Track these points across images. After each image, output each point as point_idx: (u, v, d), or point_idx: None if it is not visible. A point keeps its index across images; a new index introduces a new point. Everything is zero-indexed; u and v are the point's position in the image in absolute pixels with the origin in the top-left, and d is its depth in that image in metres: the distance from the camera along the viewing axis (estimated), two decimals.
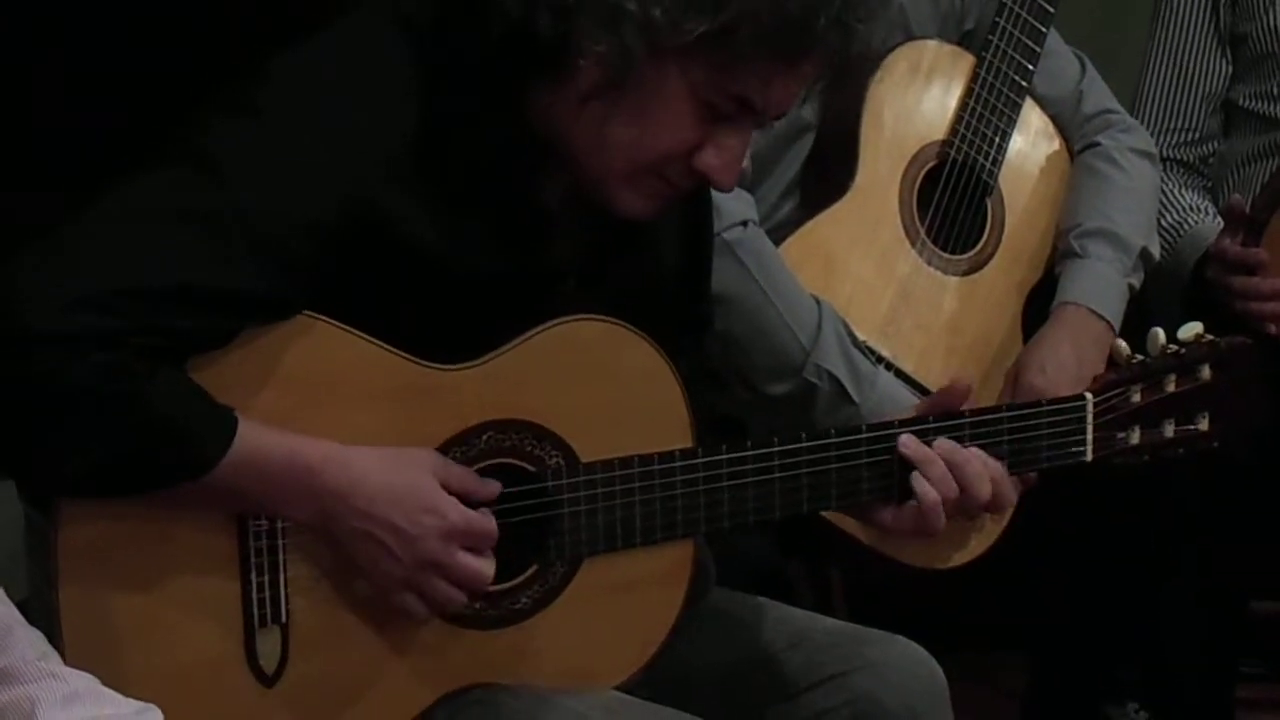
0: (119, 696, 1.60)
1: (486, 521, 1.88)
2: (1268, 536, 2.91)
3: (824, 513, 2.23)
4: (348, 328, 1.85)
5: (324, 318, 1.84)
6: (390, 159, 1.84)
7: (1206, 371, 2.15)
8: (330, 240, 1.81)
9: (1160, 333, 2.15)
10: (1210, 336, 2.16)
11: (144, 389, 1.74)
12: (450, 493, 1.86)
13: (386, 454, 1.85)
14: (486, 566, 1.88)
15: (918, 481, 2.04)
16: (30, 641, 1.61)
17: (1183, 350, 2.14)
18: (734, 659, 2.13)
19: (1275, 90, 3.06)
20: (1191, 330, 2.15)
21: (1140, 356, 2.14)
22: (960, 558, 2.57)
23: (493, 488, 1.89)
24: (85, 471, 1.76)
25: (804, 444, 2.00)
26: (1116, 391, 2.12)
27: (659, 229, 2.06)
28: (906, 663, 2.12)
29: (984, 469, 2.06)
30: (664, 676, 2.06)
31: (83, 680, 1.59)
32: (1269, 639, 3.01)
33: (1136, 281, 2.69)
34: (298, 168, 1.81)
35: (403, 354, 1.87)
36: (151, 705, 1.60)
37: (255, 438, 1.79)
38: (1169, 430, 2.15)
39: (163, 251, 1.76)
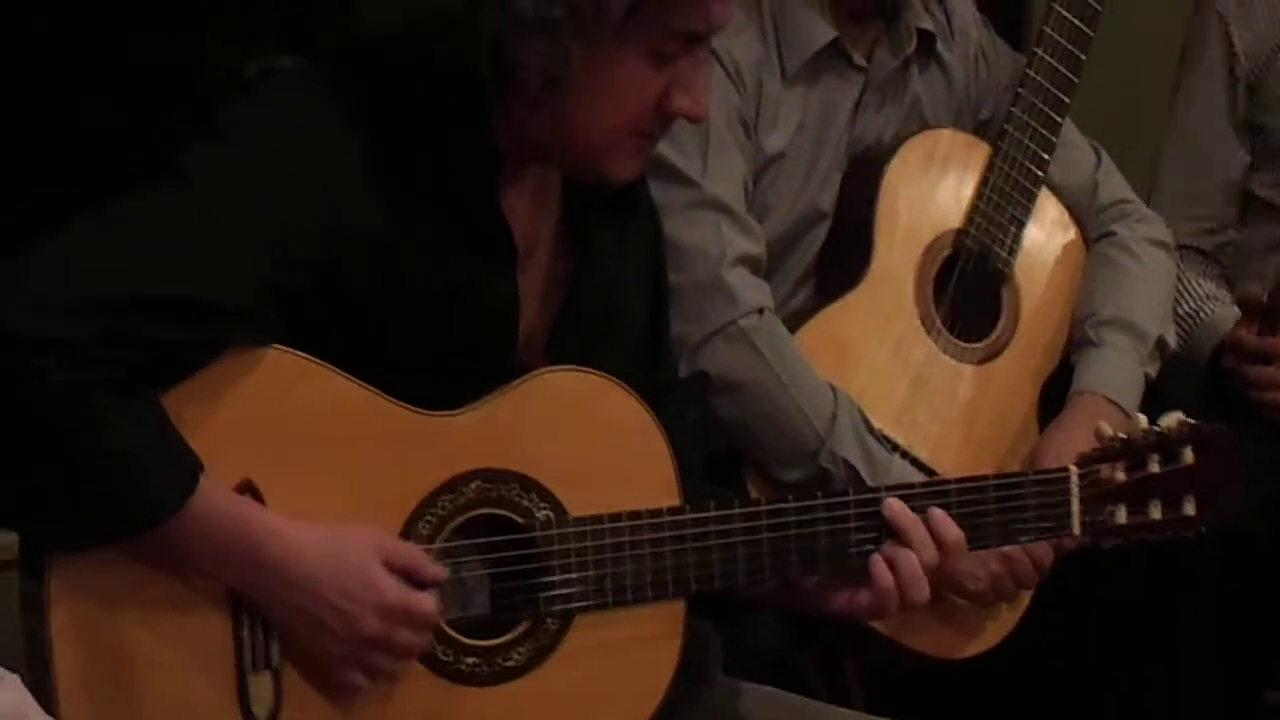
0: None
1: (424, 602, 1.86)
2: None
3: None
4: (334, 368, 1.85)
5: (309, 356, 1.85)
6: (356, 178, 1.85)
7: (1189, 454, 2.16)
8: (299, 255, 1.82)
9: (1142, 417, 2.18)
10: (1190, 421, 2.17)
11: (106, 420, 1.74)
12: (395, 570, 1.85)
13: (327, 533, 1.84)
14: (422, 643, 1.87)
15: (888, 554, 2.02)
16: None
17: (1164, 431, 2.16)
18: None
19: None
20: (1173, 417, 2.17)
21: (1123, 435, 2.16)
22: (976, 647, 2.57)
23: (439, 573, 1.88)
24: (23, 496, 1.75)
25: (791, 504, 2.01)
26: (1100, 466, 2.14)
27: (626, 280, 2.07)
28: None
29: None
30: None
31: None
32: None
33: (1152, 370, 2.69)
34: (267, 185, 1.82)
35: (389, 397, 1.87)
36: None
37: (209, 495, 1.79)
38: (1155, 512, 2.16)
39: (132, 260, 1.77)
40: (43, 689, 1.76)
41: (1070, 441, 2.56)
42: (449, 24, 1.83)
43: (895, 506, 2.02)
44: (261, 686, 1.85)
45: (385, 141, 1.87)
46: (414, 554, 1.87)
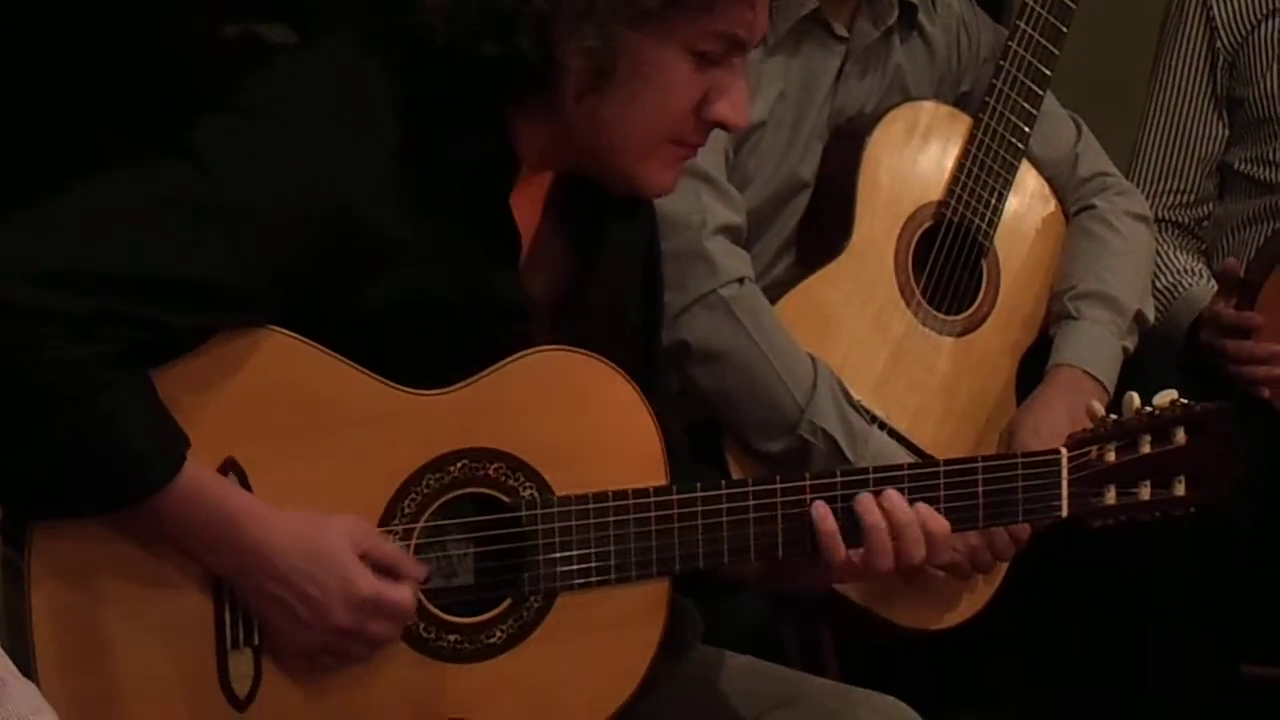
0: None
1: (399, 593, 1.85)
2: (1260, 598, 2.91)
3: None
4: (322, 347, 1.85)
5: (299, 336, 1.84)
6: (372, 174, 1.85)
7: (1181, 435, 2.15)
8: (309, 246, 1.81)
9: (1135, 396, 2.16)
10: (1185, 401, 2.16)
11: (99, 394, 1.73)
12: (373, 563, 1.84)
13: (306, 521, 1.83)
14: (393, 635, 1.87)
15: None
16: (24, 696, 1.61)
17: (1157, 412, 2.15)
18: (722, 718, 2.12)
19: (1271, 155, 3.07)
20: (1166, 396, 2.16)
21: (1115, 416, 2.15)
22: (952, 619, 2.58)
23: (419, 570, 1.88)
24: (12, 464, 1.75)
25: (778, 485, 2.01)
26: (1091, 448, 2.13)
27: (625, 275, 2.08)
28: None
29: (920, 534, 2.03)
30: None
31: None
32: (1261, 704, 3.00)
33: (1131, 344, 2.69)
34: (283, 171, 1.81)
35: (376, 376, 1.87)
36: None
37: (194, 474, 1.78)
38: (1145, 493, 2.15)
39: (140, 238, 1.76)
40: (22, 659, 1.75)
41: (1048, 415, 2.57)
42: (498, 17, 1.82)
43: (894, 498, 2.02)
44: (242, 664, 1.85)
45: (406, 136, 1.86)
46: (393, 551, 1.86)
